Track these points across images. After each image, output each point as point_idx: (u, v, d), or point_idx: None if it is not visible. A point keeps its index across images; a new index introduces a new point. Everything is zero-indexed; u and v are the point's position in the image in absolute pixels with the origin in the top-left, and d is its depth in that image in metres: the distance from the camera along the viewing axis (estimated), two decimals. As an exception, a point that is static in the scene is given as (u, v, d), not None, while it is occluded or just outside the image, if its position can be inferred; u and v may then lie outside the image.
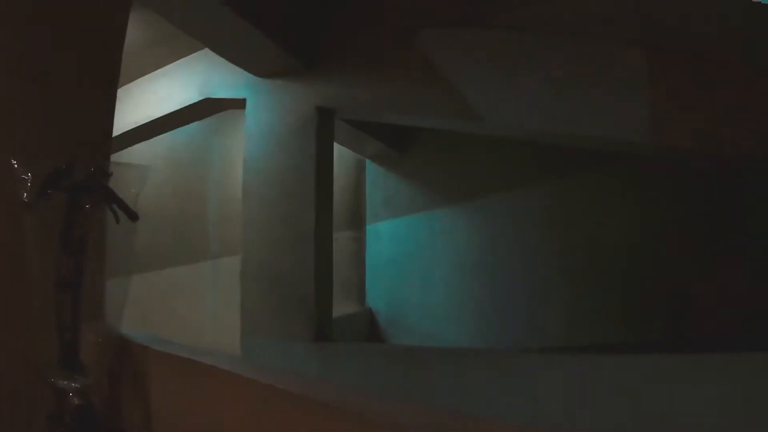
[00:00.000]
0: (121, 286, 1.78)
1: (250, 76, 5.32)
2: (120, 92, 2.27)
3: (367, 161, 8.29)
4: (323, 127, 5.22)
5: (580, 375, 3.63)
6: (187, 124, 6.70)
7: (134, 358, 1.74)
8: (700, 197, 5.92)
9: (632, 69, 4.04)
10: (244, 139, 5.50)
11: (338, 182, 5.70)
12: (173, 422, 1.59)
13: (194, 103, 5.94)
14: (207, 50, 5.25)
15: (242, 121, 5.61)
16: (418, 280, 7.74)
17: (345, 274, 7.90)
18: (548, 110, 4.29)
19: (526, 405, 3.65)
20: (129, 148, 6.63)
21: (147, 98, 6.25)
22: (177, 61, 6.12)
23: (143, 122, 6.28)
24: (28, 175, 1.43)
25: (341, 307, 6.96)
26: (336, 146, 5.69)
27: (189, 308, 7.44)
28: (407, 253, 7.90)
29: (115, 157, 2.40)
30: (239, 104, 5.60)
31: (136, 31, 5.28)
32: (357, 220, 8.29)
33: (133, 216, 1.55)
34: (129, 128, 6.25)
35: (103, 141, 2.09)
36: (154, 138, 6.84)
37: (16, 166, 1.44)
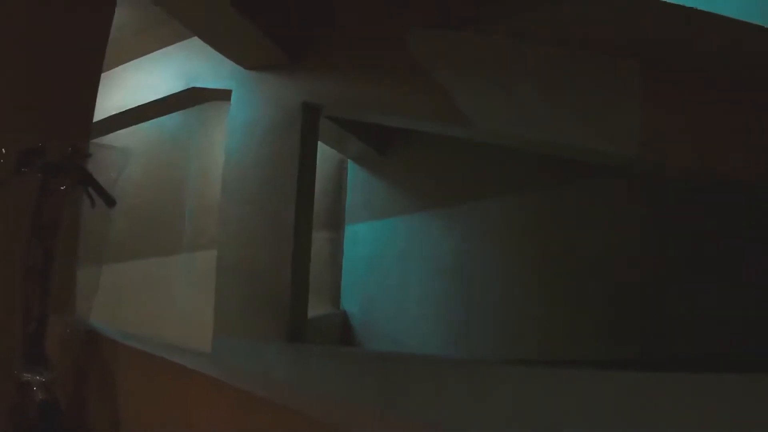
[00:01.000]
0: (92, 276, 1.69)
1: (237, 67, 5.22)
2: (104, 77, 2.18)
3: (350, 162, 8.20)
4: (309, 123, 5.14)
5: (555, 388, 3.61)
6: (172, 112, 6.60)
7: (103, 352, 1.66)
8: (679, 213, 5.95)
9: (626, 81, 4.04)
10: (225, 130, 5.40)
11: (319, 182, 5.63)
12: (139, 420, 1.52)
13: (179, 92, 5.85)
14: (194, 39, 5.15)
15: (225, 112, 5.51)
16: (394, 284, 7.67)
17: (320, 274, 7.81)
18: (539, 119, 4.27)
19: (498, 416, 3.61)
20: (109, 134, 6.48)
21: (132, 84, 6.14)
22: (164, 48, 6.04)
23: (126, 108, 6.17)
24: (1, 151, 1.34)
25: (315, 308, 6.88)
26: (319, 145, 5.62)
27: (160, 302, 7.28)
28: (384, 256, 7.82)
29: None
30: (225, 95, 5.50)
31: (124, 16, 5.17)
32: (335, 221, 8.20)
33: (110, 201, 1.46)
34: (111, 113, 6.12)
35: (84, 122, 1.99)
36: (135, 126, 6.71)
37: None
